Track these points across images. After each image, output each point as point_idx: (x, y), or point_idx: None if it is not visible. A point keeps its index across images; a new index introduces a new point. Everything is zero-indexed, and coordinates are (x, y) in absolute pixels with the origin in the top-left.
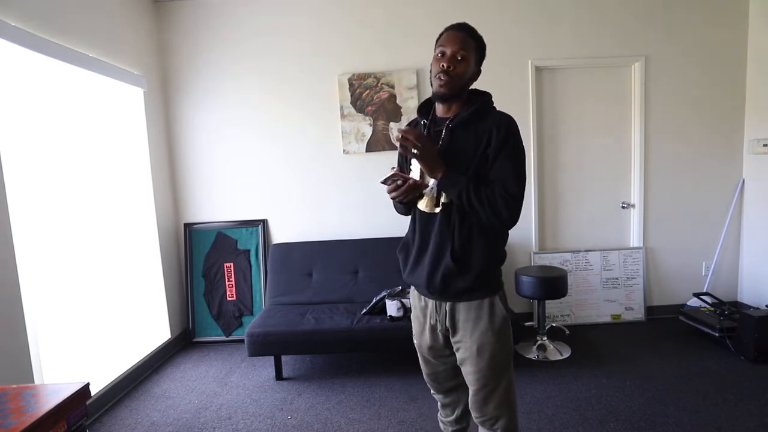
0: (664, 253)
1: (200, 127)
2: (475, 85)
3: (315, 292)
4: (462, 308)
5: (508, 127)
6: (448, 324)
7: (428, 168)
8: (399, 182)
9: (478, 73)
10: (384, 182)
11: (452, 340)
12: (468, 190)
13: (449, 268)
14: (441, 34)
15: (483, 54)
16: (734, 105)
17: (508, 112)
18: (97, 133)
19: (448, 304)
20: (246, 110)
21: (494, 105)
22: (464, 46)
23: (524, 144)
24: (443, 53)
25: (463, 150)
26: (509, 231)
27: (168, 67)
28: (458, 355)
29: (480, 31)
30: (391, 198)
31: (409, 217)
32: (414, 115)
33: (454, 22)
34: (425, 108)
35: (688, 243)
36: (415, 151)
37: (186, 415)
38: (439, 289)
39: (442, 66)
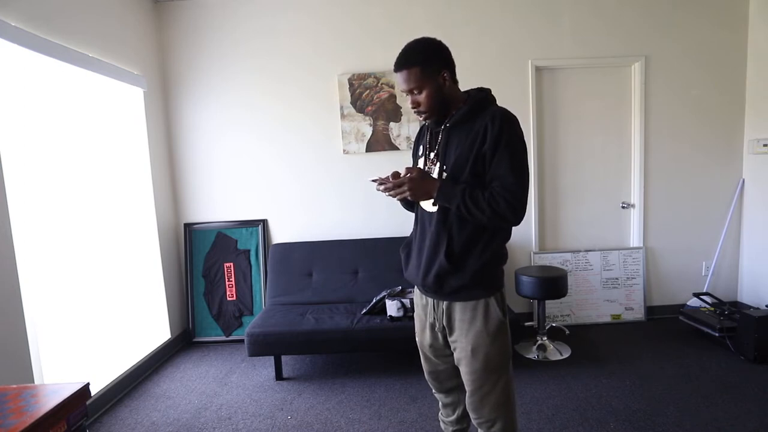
0: (664, 253)
1: (200, 127)
2: (476, 85)
3: (315, 292)
4: (458, 308)
5: (501, 121)
6: (444, 323)
7: (425, 197)
8: (387, 184)
9: (446, 78)
10: (374, 180)
11: (449, 339)
12: (464, 200)
13: (443, 267)
14: None
15: (438, 61)
16: (734, 105)
17: (507, 108)
18: (97, 133)
19: (444, 303)
20: (246, 110)
21: (494, 100)
22: (412, 82)
23: (524, 144)
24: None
25: (459, 150)
26: (512, 229)
27: (168, 67)
28: (455, 355)
29: (480, 31)
30: (386, 194)
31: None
32: (413, 115)
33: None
34: None
35: (688, 243)
36: (407, 195)
37: (186, 415)
38: (433, 288)
39: (411, 106)
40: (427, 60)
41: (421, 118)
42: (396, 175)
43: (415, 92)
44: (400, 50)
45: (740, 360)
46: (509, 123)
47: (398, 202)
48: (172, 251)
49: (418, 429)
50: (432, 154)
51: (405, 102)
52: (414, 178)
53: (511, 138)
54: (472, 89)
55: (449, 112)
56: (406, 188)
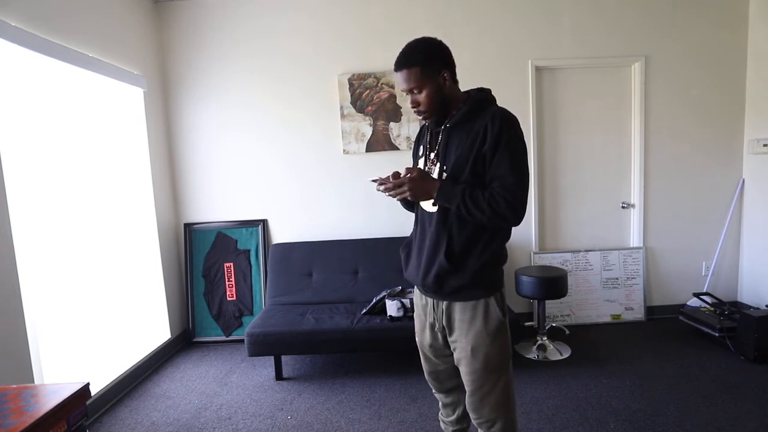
0: (664, 253)
1: (200, 127)
2: (476, 85)
3: (315, 292)
4: (458, 308)
5: (501, 121)
6: (444, 323)
7: (424, 197)
8: (387, 184)
9: (446, 78)
10: (374, 180)
11: (449, 339)
12: (464, 200)
13: (443, 267)
14: None
15: (438, 61)
16: (734, 105)
17: (507, 108)
18: (97, 133)
19: (444, 303)
20: (246, 110)
21: (494, 100)
22: (412, 82)
23: (524, 144)
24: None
25: (459, 150)
26: (512, 229)
27: (168, 67)
28: (455, 355)
29: (480, 31)
30: (386, 195)
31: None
32: (413, 115)
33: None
34: None
35: (688, 243)
36: (407, 195)
37: (186, 415)
38: (432, 288)
39: (410, 106)
40: (427, 60)
41: (421, 118)
42: (396, 175)
43: (415, 92)
44: (400, 50)
45: (740, 360)
46: (509, 123)
47: (398, 202)
48: (172, 251)
49: (418, 429)
50: (432, 155)
51: (405, 102)
52: (414, 178)
53: (511, 138)
54: (472, 89)
55: (449, 113)
56: (406, 188)
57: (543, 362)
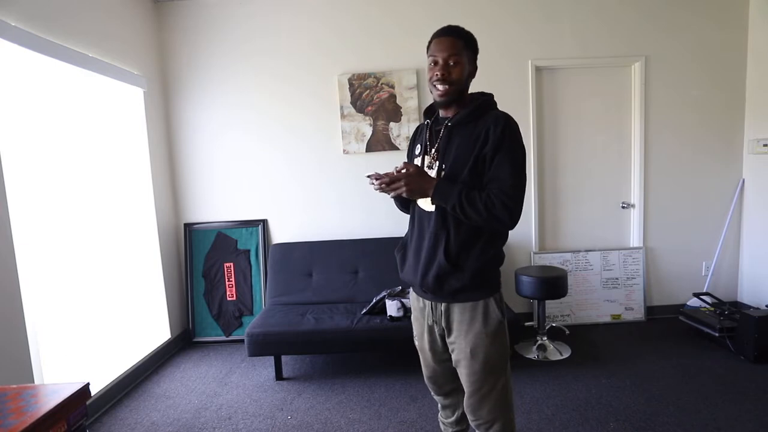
0: (664, 253)
1: (200, 127)
2: (476, 86)
3: (315, 292)
4: (456, 309)
5: (504, 125)
6: (443, 325)
7: (420, 194)
8: (384, 179)
9: (474, 70)
10: (369, 176)
11: (447, 341)
12: (461, 201)
13: (442, 267)
14: (430, 42)
15: (475, 50)
16: (734, 105)
17: (508, 112)
18: (97, 134)
19: (443, 304)
20: (246, 110)
21: (496, 105)
22: (455, 51)
23: (524, 144)
24: (436, 62)
25: (460, 150)
26: (509, 231)
27: (168, 67)
28: (453, 356)
29: (480, 31)
30: (380, 191)
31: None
32: (413, 116)
33: (450, 23)
34: (431, 110)
35: (688, 243)
36: (403, 191)
37: (186, 415)
38: (432, 289)
39: (437, 75)
40: (471, 42)
41: (439, 92)
42: (404, 167)
43: (451, 62)
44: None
45: (740, 360)
46: (511, 128)
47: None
48: (172, 251)
49: (418, 429)
50: (433, 150)
51: (405, 102)
52: (411, 174)
53: (513, 142)
54: (475, 93)
55: (458, 102)
56: (403, 184)
57: (543, 362)
